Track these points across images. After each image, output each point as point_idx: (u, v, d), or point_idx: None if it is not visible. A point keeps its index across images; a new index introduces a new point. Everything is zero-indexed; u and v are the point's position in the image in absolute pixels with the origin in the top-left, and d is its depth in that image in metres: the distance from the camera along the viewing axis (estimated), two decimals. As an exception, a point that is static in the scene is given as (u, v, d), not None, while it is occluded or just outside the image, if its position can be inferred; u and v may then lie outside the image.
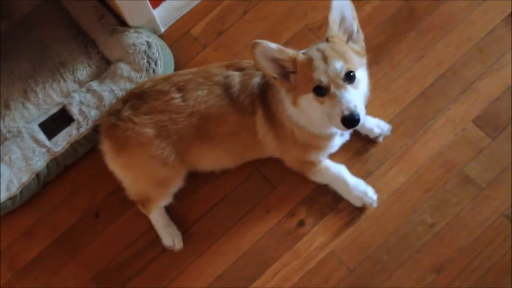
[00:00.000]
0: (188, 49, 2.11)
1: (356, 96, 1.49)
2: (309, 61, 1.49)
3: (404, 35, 2.04)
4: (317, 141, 1.72)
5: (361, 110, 1.47)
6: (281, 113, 1.68)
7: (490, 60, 1.97)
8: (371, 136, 1.91)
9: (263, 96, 1.70)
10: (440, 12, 2.04)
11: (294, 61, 1.51)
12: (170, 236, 1.87)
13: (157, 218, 1.88)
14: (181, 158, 1.77)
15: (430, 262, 1.80)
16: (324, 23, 2.07)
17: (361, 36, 1.56)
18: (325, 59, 1.47)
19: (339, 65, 1.46)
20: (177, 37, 2.13)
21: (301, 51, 1.59)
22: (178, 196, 1.88)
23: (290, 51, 1.52)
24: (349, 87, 1.47)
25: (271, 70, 1.54)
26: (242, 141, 1.78)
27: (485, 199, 1.84)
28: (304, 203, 1.90)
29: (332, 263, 1.83)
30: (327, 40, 1.53)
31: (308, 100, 1.53)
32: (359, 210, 1.87)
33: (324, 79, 1.47)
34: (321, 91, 1.49)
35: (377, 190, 1.86)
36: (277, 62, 1.53)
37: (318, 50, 1.50)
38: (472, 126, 1.92)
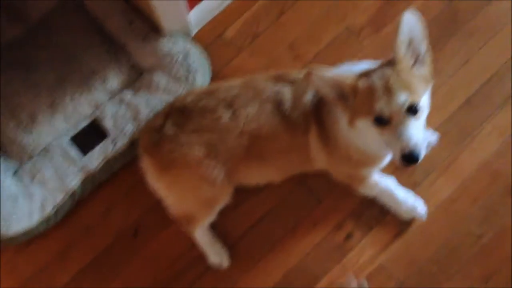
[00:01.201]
0: (223, 54, 1.99)
1: (417, 130, 1.40)
2: (371, 89, 1.38)
3: (448, 38, 1.97)
4: (372, 160, 1.66)
5: (422, 146, 1.39)
6: (336, 131, 1.60)
7: (536, 64, 1.93)
8: None
9: (317, 113, 1.62)
10: (484, 13, 1.97)
11: (353, 87, 1.41)
12: (216, 254, 1.80)
13: (202, 236, 1.80)
14: (229, 176, 1.68)
15: (479, 273, 1.79)
16: (366, 25, 2.01)
17: (430, 58, 1.44)
18: (388, 89, 1.37)
19: (403, 98, 1.36)
20: (209, 40, 2.00)
21: (360, 65, 1.51)
22: (220, 211, 1.79)
23: (349, 79, 1.41)
24: (412, 120, 1.39)
25: (328, 92, 1.44)
26: (293, 158, 1.71)
27: (533, 209, 1.83)
28: (351, 216, 1.86)
29: (381, 277, 1.81)
30: (391, 63, 1.41)
31: (366, 125, 1.43)
32: (407, 223, 1.84)
33: (386, 112, 1.37)
34: (381, 121, 1.40)
35: (425, 202, 1.83)
36: (334, 86, 1.43)
37: (382, 77, 1.39)
38: (518, 133, 1.90)
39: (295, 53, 1.98)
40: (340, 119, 1.55)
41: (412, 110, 1.38)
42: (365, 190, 1.80)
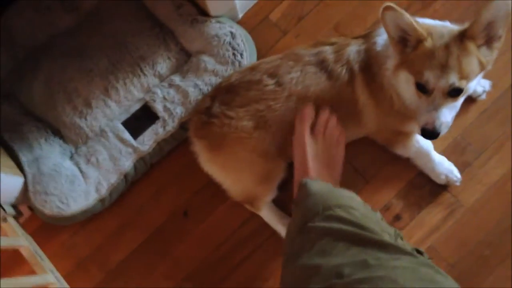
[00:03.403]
0: (268, 36, 2.00)
1: (450, 111, 1.45)
2: (431, 55, 1.39)
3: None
4: (411, 113, 1.62)
5: (445, 128, 1.45)
6: (382, 75, 1.59)
7: None
8: (475, 95, 1.83)
9: (362, 62, 1.62)
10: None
11: (419, 39, 1.41)
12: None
13: (269, 213, 1.81)
14: (280, 147, 1.70)
15: (534, 255, 1.75)
16: (413, 2, 1.97)
17: (499, 47, 1.41)
18: (445, 66, 1.37)
19: (452, 81, 1.38)
20: (255, 23, 2.02)
21: (428, 22, 1.50)
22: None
23: (421, 31, 1.41)
24: (450, 102, 1.43)
25: (393, 32, 1.45)
26: (342, 115, 1.69)
27: None
28: (400, 197, 1.83)
29: (431, 259, 1.78)
30: (463, 35, 1.39)
31: (408, 79, 1.48)
32: (458, 204, 1.80)
33: (431, 84, 1.41)
34: (422, 88, 1.43)
35: (477, 182, 1.79)
36: (404, 28, 1.43)
37: (446, 50, 1.38)
38: None
39: (340, 34, 1.97)
40: (388, 62, 1.55)
41: (455, 93, 1.41)
42: (404, 149, 1.78)
